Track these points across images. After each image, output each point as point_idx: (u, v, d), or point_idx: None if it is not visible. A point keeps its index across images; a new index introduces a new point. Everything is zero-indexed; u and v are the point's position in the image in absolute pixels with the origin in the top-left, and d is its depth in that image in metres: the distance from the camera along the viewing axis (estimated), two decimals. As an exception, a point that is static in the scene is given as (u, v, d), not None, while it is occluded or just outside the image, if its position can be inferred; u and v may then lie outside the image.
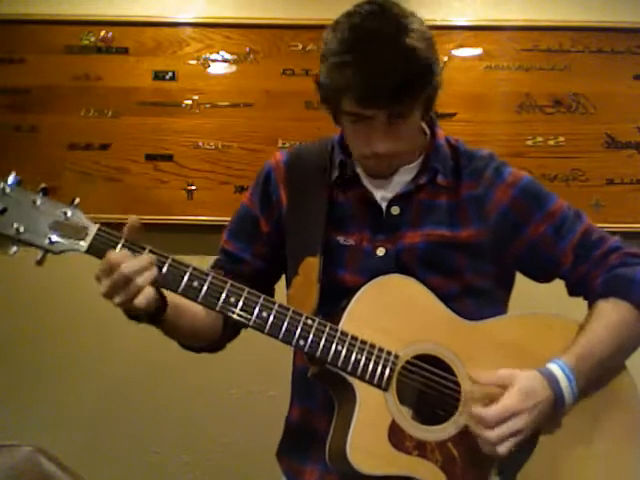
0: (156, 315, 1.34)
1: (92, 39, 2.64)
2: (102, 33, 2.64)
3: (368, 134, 1.36)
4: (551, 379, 1.33)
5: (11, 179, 1.21)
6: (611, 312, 1.42)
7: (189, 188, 2.66)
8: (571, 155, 2.65)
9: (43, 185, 1.23)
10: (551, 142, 2.65)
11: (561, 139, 2.65)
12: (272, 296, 1.55)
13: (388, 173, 1.44)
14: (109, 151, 2.66)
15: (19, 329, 2.70)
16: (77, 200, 1.25)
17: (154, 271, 1.24)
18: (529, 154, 2.63)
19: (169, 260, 1.27)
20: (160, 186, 2.66)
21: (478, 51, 2.63)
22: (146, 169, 2.66)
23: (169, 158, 2.66)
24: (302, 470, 1.48)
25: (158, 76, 2.65)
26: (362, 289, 1.36)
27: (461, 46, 2.62)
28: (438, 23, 2.59)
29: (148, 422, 2.71)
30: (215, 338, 1.53)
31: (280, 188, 1.51)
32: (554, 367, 1.35)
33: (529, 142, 2.64)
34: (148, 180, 2.66)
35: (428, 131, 1.48)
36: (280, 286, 1.57)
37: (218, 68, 2.65)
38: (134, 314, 1.32)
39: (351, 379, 1.32)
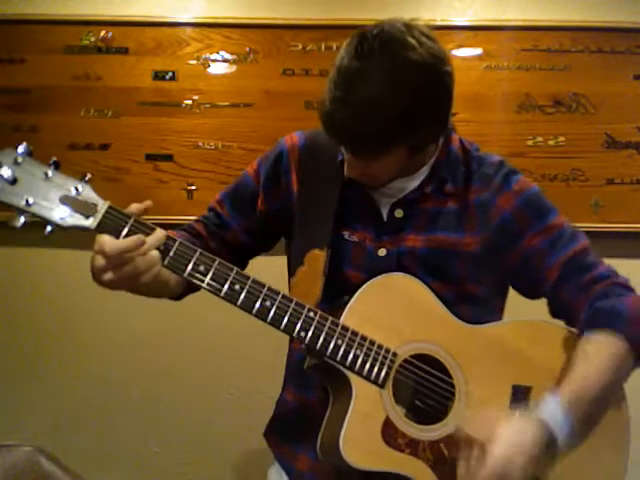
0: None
1: (92, 39, 2.64)
2: (102, 33, 2.63)
3: (345, 156, 1.38)
4: (546, 429, 1.24)
5: (22, 148, 1.20)
6: (600, 349, 1.35)
7: (189, 188, 2.66)
8: (571, 155, 2.65)
9: (54, 158, 1.22)
10: (551, 142, 2.65)
11: (561, 139, 2.64)
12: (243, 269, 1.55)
13: (374, 188, 1.44)
14: (109, 151, 2.66)
15: (19, 329, 2.70)
16: (89, 176, 1.24)
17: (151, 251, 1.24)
18: (529, 154, 2.63)
19: (176, 243, 1.27)
20: (160, 186, 2.66)
21: (478, 51, 2.63)
22: (146, 169, 2.66)
23: (169, 158, 2.66)
24: (294, 456, 1.49)
25: (158, 76, 2.65)
26: (364, 286, 1.37)
27: (461, 46, 2.62)
28: (438, 23, 2.59)
29: (148, 422, 2.71)
30: (178, 294, 1.50)
31: (292, 173, 1.50)
32: (548, 415, 1.26)
33: (529, 142, 2.64)
34: (148, 180, 2.66)
35: (441, 137, 1.45)
36: (276, 273, 1.58)
37: (218, 68, 2.65)
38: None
39: (348, 374, 1.33)
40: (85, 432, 2.68)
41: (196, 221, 1.56)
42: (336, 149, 1.45)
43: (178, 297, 1.52)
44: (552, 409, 1.27)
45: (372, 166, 1.35)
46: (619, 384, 1.39)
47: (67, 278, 2.61)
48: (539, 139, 2.64)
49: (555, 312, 1.48)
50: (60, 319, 2.69)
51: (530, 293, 1.50)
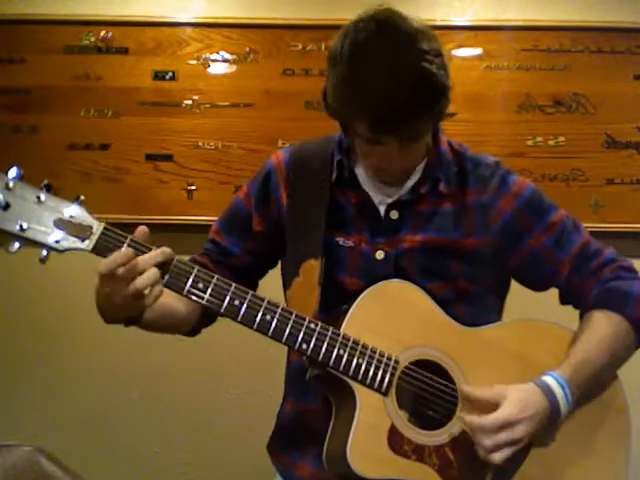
0: (137, 317, 1.34)
1: (92, 39, 2.64)
2: (102, 33, 2.63)
3: (382, 155, 1.36)
4: (547, 391, 1.34)
5: (13, 173, 1.18)
6: (604, 324, 1.43)
7: (189, 188, 2.66)
8: (571, 155, 2.65)
9: (46, 181, 1.20)
10: (551, 142, 2.65)
11: (561, 139, 2.64)
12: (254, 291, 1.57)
13: (400, 181, 1.44)
14: (109, 151, 2.66)
15: (19, 329, 2.70)
16: (82, 197, 1.22)
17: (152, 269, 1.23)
18: (529, 154, 2.63)
19: (173, 261, 1.26)
20: (160, 186, 2.66)
21: (478, 51, 2.63)
22: (146, 169, 2.66)
23: (169, 158, 2.66)
24: (294, 464, 1.49)
25: (158, 76, 2.65)
26: (363, 294, 1.36)
27: (461, 46, 2.62)
28: (438, 23, 2.59)
29: (148, 422, 2.71)
30: (191, 327, 1.53)
31: (281, 189, 1.50)
32: (549, 379, 1.36)
33: (529, 142, 2.64)
34: (148, 180, 2.66)
35: (430, 137, 1.46)
36: (270, 286, 1.58)
37: (218, 68, 2.65)
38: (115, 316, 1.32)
39: (352, 383, 1.33)
40: (85, 432, 2.68)
41: (199, 254, 1.56)
42: (323, 158, 1.46)
43: (193, 331, 1.54)
44: (556, 379, 1.35)
45: (413, 152, 1.36)
46: (620, 360, 1.46)
47: (67, 278, 2.61)
48: (539, 139, 2.64)
49: (564, 299, 1.52)
50: (60, 319, 2.69)
51: (539, 287, 1.54)
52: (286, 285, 1.52)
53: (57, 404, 2.70)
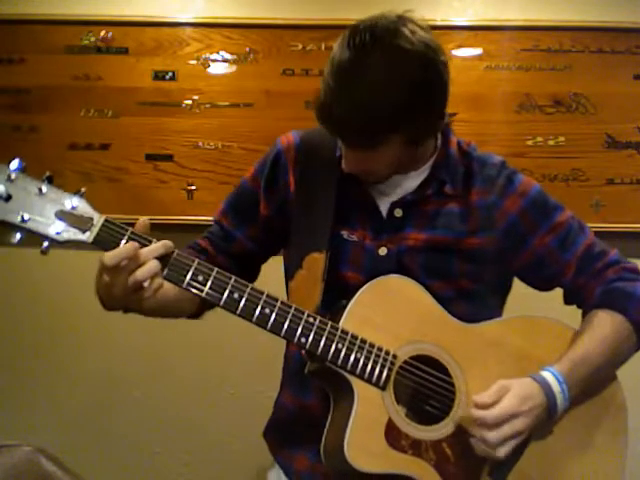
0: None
1: (92, 39, 2.64)
2: (102, 33, 2.63)
3: (344, 154, 1.39)
4: (544, 386, 1.35)
5: (15, 165, 1.18)
6: (606, 323, 1.44)
7: (189, 188, 2.66)
8: (571, 155, 2.65)
9: (48, 173, 1.20)
10: (551, 142, 2.65)
11: (561, 139, 2.65)
12: (256, 277, 1.57)
13: (375, 183, 1.44)
14: (109, 151, 2.66)
15: (19, 328, 2.70)
16: (83, 190, 1.23)
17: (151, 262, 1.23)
18: (529, 154, 2.64)
19: (174, 254, 1.26)
20: (160, 186, 2.66)
21: (478, 51, 2.63)
22: (146, 169, 2.66)
23: (169, 158, 2.66)
24: (292, 456, 1.50)
25: (158, 76, 2.65)
26: (362, 289, 1.37)
27: (461, 46, 2.62)
28: (438, 23, 2.59)
29: (148, 422, 2.71)
30: (193, 312, 1.52)
31: (289, 172, 1.49)
32: (547, 374, 1.36)
33: (529, 142, 2.64)
34: (148, 180, 2.66)
35: (440, 137, 1.46)
36: (272, 277, 1.58)
37: (218, 68, 2.65)
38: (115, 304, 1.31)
39: (350, 377, 1.33)
40: (85, 432, 2.69)
41: (202, 237, 1.56)
42: (332, 147, 1.45)
43: (196, 315, 1.53)
44: (554, 375, 1.36)
45: (369, 158, 1.35)
46: (619, 360, 1.46)
47: (67, 278, 2.62)
48: (539, 139, 2.65)
49: (568, 298, 1.53)
50: (60, 319, 2.69)
51: (544, 287, 1.54)
52: (289, 276, 1.52)
53: (57, 404, 2.70)
